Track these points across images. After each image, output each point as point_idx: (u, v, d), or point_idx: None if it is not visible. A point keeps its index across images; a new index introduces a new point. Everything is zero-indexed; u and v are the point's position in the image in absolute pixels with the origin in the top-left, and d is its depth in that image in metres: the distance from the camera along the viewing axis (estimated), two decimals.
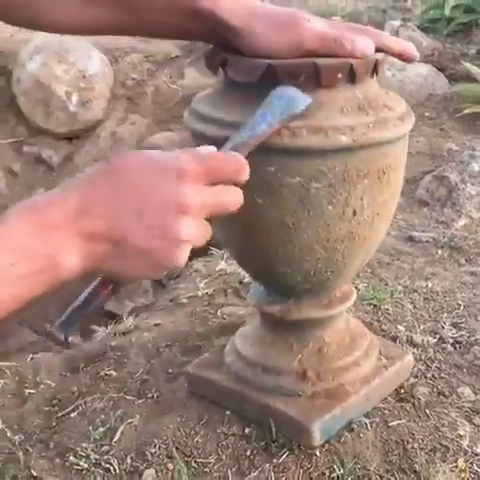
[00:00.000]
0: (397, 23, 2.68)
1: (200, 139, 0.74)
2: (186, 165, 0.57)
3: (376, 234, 0.82)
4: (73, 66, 2.23)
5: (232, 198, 0.60)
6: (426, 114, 2.04)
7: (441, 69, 2.33)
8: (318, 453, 0.84)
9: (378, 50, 0.75)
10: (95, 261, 0.56)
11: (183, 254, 0.57)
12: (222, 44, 0.75)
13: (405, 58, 0.78)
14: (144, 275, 0.60)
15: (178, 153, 0.59)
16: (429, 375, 0.98)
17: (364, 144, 0.73)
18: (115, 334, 1.11)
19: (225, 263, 1.26)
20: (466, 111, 2.00)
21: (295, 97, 0.68)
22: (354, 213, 0.76)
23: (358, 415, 0.87)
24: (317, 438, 0.82)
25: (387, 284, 1.24)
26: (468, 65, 2.19)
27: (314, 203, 0.74)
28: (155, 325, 1.11)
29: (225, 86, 0.78)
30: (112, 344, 1.05)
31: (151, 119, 2.28)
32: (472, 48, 2.57)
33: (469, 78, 2.20)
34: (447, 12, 2.65)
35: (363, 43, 0.72)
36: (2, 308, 0.52)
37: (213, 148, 0.62)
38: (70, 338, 0.59)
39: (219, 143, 0.64)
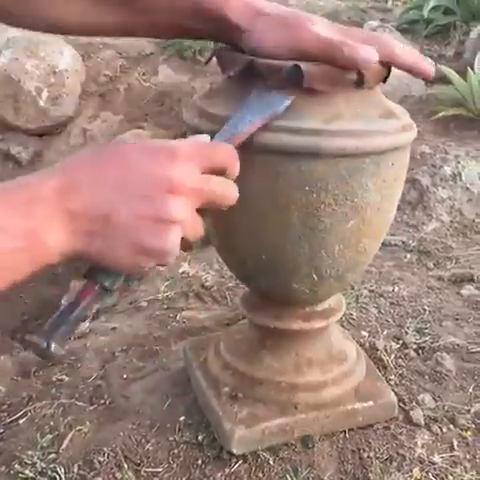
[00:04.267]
0: (375, 23, 2.67)
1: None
2: (178, 147, 0.55)
3: None
4: (43, 61, 2.19)
5: (228, 190, 0.58)
6: None
7: None
8: (271, 462, 0.82)
9: (388, 61, 0.71)
10: (80, 241, 0.53)
11: (173, 238, 0.54)
12: (227, 43, 0.75)
13: (417, 73, 0.71)
14: (132, 262, 0.55)
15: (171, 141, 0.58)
16: (391, 382, 0.97)
17: None
18: (70, 337, 1.08)
19: (188, 265, 1.24)
20: (441, 114, 1.99)
21: (275, 97, 0.68)
22: None
23: None
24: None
25: (353, 288, 1.22)
26: (444, 68, 2.18)
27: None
28: (112, 329, 1.08)
29: (223, 83, 0.78)
30: (66, 348, 1.02)
31: (123, 116, 2.25)
32: (450, 50, 2.56)
33: (445, 81, 2.19)
34: (425, 13, 2.64)
35: (365, 52, 0.68)
36: None
37: (206, 137, 0.61)
38: (53, 347, 0.53)
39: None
